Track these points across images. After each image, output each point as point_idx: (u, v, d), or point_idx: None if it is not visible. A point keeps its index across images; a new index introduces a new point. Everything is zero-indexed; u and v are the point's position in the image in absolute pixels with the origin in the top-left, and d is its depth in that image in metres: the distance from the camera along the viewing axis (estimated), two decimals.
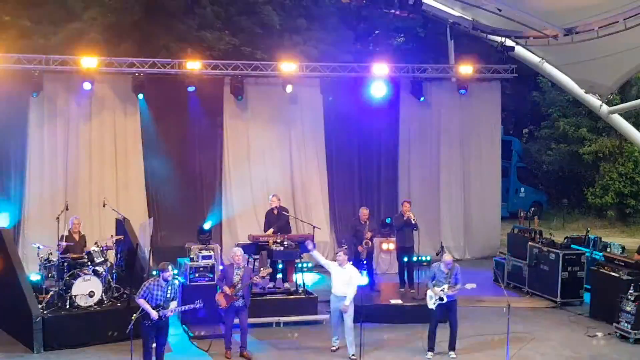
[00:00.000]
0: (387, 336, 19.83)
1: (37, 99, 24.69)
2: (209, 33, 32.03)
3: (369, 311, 19.11)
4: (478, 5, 22.67)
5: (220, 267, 20.82)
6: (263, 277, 18.88)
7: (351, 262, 18.72)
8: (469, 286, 17.96)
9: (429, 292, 18.30)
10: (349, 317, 17.96)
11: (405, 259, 22.67)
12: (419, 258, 23.24)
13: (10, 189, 24.79)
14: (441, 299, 18.02)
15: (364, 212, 22.52)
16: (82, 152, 25.57)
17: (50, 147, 25.24)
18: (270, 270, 19.83)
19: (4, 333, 19.31)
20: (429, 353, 18.32)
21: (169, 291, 16.33)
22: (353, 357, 17.76)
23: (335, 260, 18.62)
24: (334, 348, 18.36)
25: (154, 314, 16.06)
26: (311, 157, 27.78)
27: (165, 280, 16.32)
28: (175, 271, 18.51)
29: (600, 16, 19.85)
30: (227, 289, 17.78)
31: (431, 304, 18.21)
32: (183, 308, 17.13)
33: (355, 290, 18.06)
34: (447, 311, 18.25)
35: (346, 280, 17.96)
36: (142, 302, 16.13)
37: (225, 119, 26.92)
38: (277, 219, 22.11)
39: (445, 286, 17.99)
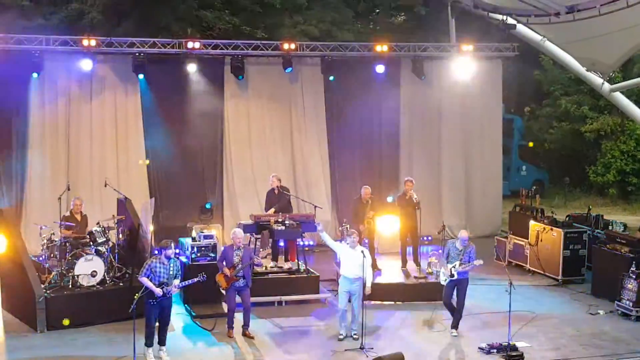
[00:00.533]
0: (388, 314, 19.87)
1: (37, 80, 24.73)
2: (209, 12, 32.01)
3: (371, 290, 19.11)
4: None
5: (222, 248, 20.87)
6: (262, 258, 18.89)
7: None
8: (476, 262, 18.12)
9: (442, 269, 18.52)
10: (358, 299, 17.78)
11: (408, 238, 22.65)
12: (421, 237, 23.25)
13: (12, 170, 24.79)
14: (452, 275, 18.18)
15: (366, 191, 22.40)
16: (83, 133, 25.59)
17: (52, 128, 25.26)
18: (269, 250, 19.85)
19: (8, 313, 19.37)
20: (454, 332, 18.60)
21: (171, 268, 16.38)
22: (355, 335, 17.73)
23: (339, 241, 18.56)
24: (342, 337, 17.89)
25: (158, 292, 16.11)
26: (312, 136, 27.76)
27: (168, 257, 16.39)
28: (177, 250, 18.49)
29: None
30: (227, 270, 17.78)
31: (442, 280, 18.43)
32: (186, 283, 17.15)
33: (370, 271, 18.03)
34: (457, 288, 18.39)
35: (359, 262, 17.64)
36: (145, 281, 16.18)
37: (225, 98, 26.88)
38: (277, 199, 22.11)
39: (457, 263, 18.16)
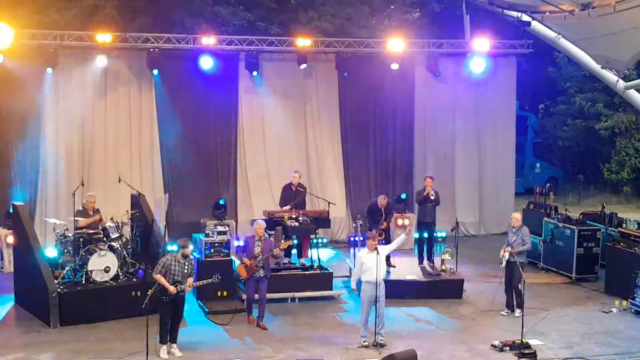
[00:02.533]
0: (401, 312, 19.86)
1: (52, 75, 24.76)
2: (224, 8, 31.97)
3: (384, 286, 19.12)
4: None
5: (236, 243, 20.90)
6: (283, 250, 18.93)
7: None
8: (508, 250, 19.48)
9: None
10: (383, 302, 17.47)
11: (425, 234, 22.62)
12: (435, 234, 23.24)
13: (27, 165, 24.85)
14: (506, 258, 19.41)
15: (382, 201, 22.33)
16: (97, 128, 25.63)
17: (66, 123, 25.29)
18: (290, 242, 19.87)
19: (22, 309, 19.45)
20: (505, 310, 19.71)
21: (186, 267, 16.44)
22: (382, 341, 17.34)
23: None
24: (366, 344, 17.41)
25: (171, 290, 16.16)
26: (326, 133, 27.77)
27: (185, 257, 16.44)
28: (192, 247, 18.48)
29: None
30: (247, 261, 18.08)
31: (501, 264, 19.63)
32: (200, 283, 17.24)
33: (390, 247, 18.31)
34: (512, 271, 19.35)
35: (382, 263, 17.32)
36: (159, 278, 16.23)
37: (240, 94, 26.91)
38: (294, 196, 22.09)
39: (510, 247, 19.27)
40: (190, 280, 16.62)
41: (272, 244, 18.70)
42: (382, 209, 22.28)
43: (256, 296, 18.36)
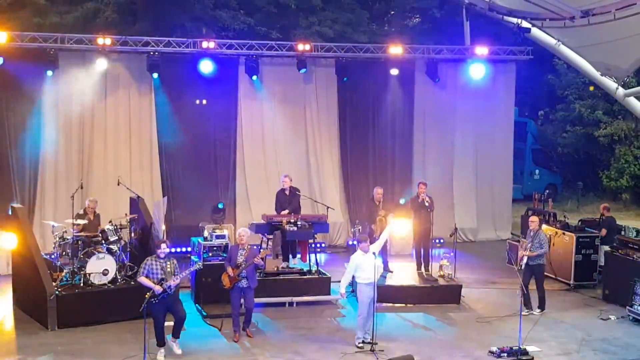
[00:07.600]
0: (399, 317, 19.86)
1: (52, 78, 24.73)
2: (224, 12, 32.04)
3: (382, 292, 19.11)
4: None
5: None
6: (262, 259, 18.64)
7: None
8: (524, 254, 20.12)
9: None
10: (374, 302, 17.51)
11: (421, 241, 22.59)
12: (433, 239, 23.18)
13: (26, 167, 24.86)
14: (525, 261, 19.98)
15: (378, 191, 22.24)
16: (96, 131, 25.64)
17: (65, 126, 25.32)
18: (268, 251, 19.76)
19: (19, 310, 19.43)
20: (524, 310, 19.40)
21: (168, 266, 16.47)
22: (370, 342, 17.49)
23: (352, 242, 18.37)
24: (361, 345, 17.48)
25: (157, 289, 16.11)
26: (325, 137, 27.77)
27: (159, 257, 16.44)
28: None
29: None
30: (230, 270, 17.75)
31: (520, 267, 20.12)
32: (185, 274, 17.06)
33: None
34: (533, 274, 20.19)
35: (374, 265, 17.29)
36: (143, 280, 16.29)
37: (239, 98, 26.91)
38: (289, 200, 22.02)
39: (528, 250, 20.05)
40: (177, 278, 16.60)
41: (256, 253, 18.21)
42: (380, 199, 22.11)
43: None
